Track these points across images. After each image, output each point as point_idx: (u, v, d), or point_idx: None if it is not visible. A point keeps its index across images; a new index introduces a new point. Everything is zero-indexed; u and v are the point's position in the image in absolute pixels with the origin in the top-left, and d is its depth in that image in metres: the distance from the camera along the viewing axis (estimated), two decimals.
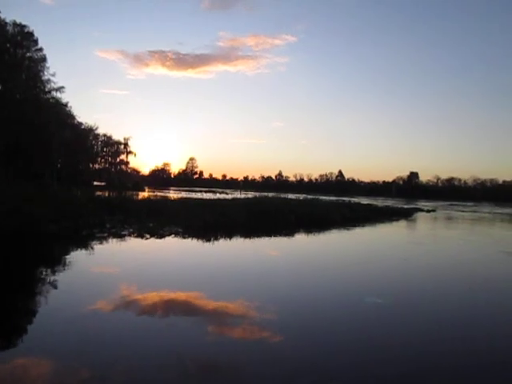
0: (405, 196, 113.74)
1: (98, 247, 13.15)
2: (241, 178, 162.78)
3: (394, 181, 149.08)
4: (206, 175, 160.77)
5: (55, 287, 8.18)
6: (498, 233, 28.88)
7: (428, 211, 48.40)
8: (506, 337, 6.52)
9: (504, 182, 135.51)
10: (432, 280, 10.74)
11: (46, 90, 48.05)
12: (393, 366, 5.21)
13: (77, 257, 11.61)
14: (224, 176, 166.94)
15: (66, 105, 54.90)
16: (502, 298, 9.13)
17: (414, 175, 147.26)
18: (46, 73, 47.00)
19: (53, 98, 49.44)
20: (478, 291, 9.57)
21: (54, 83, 48.57)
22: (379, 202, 61.09)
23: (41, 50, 46.08)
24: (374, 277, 10.78)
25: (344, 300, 8.31)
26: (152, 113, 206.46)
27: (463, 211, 54.58)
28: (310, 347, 5.67)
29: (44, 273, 9.87)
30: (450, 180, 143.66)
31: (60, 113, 51.53)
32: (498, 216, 47.62)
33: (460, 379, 4.91)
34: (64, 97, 53.20)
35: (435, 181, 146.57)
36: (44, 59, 46.33)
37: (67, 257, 11.71)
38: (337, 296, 8.58)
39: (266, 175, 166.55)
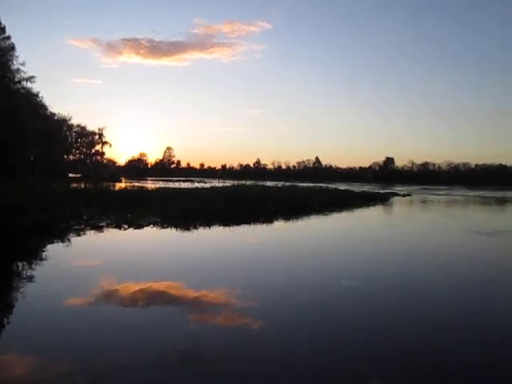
0: (381, 181, 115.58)
1: (75, 239, 13.01)
2: (219, 166, 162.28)
3: (370, 166, 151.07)
4: (183, 165, 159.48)
5: (31, 280, 8.09)
6: (465, 214, 29.83)
7: (404, 195, 49.44)
8: (465, 309, 6.82)
9: (476, 165, 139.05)
10: (406, 260, 11.07)
11: (16, 79, 46.61)
12: (367, 345, 5.41)
13: (53, 249, 11.48)
14: (202, 165, 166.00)
15: (37, 95, 53.49)
16: (471, 274, 9.49)
17: (389, 160, 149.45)
18: (15, 62, 45.53)
19: (23, 88, 48.03)
20: (450, 269, 9.94)
21: (24, 73, 47.16)
22: (356, 187, 61.96)
23: (9, 38, 44.58)
24: (351, 260, 11.05)
25: (322, 284, 8.47)
26: (127, 102, 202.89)
27: (437, 194, 55.90)
28: (291, 332, 5.81)
29: (20, 266, 9.71)
30: (425, 165, 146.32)
31: (31, 103, 50.14)
32: (469, 199, 48.96)
33: (429, 355, 5.15)
34: (35, 87, 51.89)
35: (410, 166, 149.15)
36: (12, 48, 44.83)
37: (43, 249, 11.55)
38: (315, 280, 8.72)
39: (243, 163, 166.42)
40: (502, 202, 45.33)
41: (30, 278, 8.27)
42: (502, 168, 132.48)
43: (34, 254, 10.99)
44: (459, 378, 4.58)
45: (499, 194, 63.65)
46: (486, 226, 20.26)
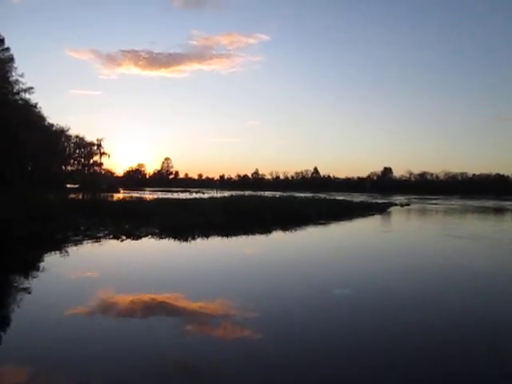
0: (379, 191, 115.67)
1: (72, 250, 12.96)
2: (217, 177, 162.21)
3: (368, 176, 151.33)
4: (181, 175, 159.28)
5: (30, 293, 8.05)
6: (453, 221, 30.29)
7: (402, 205, 49.48)
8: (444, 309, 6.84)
9: (474, 175, 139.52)
10: (396, 267, 11.09)
11: (15, 91, 46.76)
12: (360, 353, 5.40)
13: (51, 261, 11.42)
14: (200, 175, 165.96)
15: (35, 106, 53.55)
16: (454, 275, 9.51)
17: (387, 170, 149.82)
18: (13, 73, 45.68)
19: (21, 99, 48.14)
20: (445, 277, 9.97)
21: (23, 84, 47.31)
22: (354, 197, 62.02)
23: (8, 49, 44.76)
24: (345, 269, 11.13)
25: (317, 293, 8.51)
26: (125, 113, 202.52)
27: (435, 204, 56.03)
28: (287, 342, 5.80)
29: (17, 278, 9.67)
30: (423, 174, 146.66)
31: (29, 114, 50.24)
32: (463, 208, 49.01)
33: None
34: (33, 98, 51.94)
35: (408, 175, 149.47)
36: (11, 59, 45.03)
37: (41, 261, 11.49)
38: (311, 290, 8.74)
39: (242, 174, 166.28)
40: (493, 211, 45.34)
41: (28, 290, 8.22)
42: (499, 177, 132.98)
43: (30, 266, 10.94)
44: None
45: (494, 203, 63.73)
46: (464, 231, 21.98)
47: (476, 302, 8.27)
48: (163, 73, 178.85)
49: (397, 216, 35.52)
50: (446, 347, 5.69)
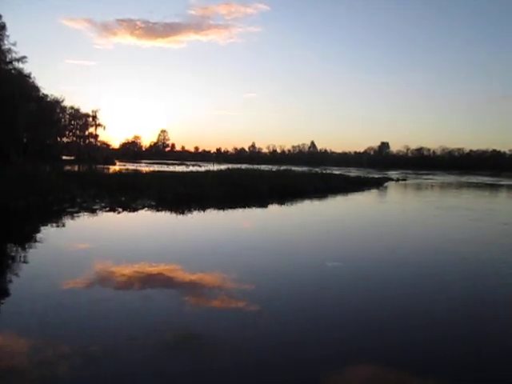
0: (376, 166, 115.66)
1: (69, 222, 13.00)
2: (214, 150, 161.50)
3: (365, 151, 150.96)
4: (178, 148, 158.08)
5: (27, 263, 8.10)
6: (442, 195, 30.30)
7: (398, 180, 49.62)
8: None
9: (471, 151, 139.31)
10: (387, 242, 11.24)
11: (7, 60, 45.77)
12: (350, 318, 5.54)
13: (48, 232, 11.46)
14: (196, 148, 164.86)
15: (29, 76, 52.56)
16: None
17: (384, 145, 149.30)
18: (6, 42, 44.60)
19: (14, 68, 47.19)
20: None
21: (16, 53, 46.26)
22: (351, 172, 62.04)
23: None
24: (337, 242, 11.32)
25: (309, 265, 8.66)
26: (121, 84, 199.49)
27: (431, 179, 56.21)
28: (281, 311, 5.91)
29: (13, 249, 9.73)
30: (420, 150, 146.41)
31: (23, 84, 49.36)
32: (458, 184, 49.17)
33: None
34: (27, 67, 51.07)
35: (405, 151, 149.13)
36: (3, 27, 43.86)
37: (37, 233, 11.53)
38: (304, 262, 8.89)
39: (239, 147, 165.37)
40: (486, 186, 45.43)
41: (26, 261, 8.28)
42: (495, 154, 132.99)
43: (28, 237, 10.98)
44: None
45: (489, 179, 63.87)
46: (448, 203, 23.84)
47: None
48: (160, 43, 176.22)
49: (392, 190, 35.69)
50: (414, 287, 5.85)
